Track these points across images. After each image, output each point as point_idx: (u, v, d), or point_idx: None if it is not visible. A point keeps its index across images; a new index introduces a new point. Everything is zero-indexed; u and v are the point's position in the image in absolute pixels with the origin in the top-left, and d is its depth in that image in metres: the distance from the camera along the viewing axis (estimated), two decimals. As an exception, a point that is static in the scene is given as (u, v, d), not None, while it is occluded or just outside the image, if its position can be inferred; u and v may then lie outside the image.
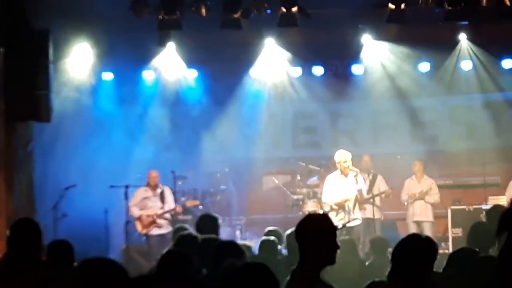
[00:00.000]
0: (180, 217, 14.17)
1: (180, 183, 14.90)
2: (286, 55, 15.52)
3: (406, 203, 14.17)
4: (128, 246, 13.80)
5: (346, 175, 12.34)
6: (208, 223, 8.24)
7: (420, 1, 12.99)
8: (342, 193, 12.20)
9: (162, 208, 13.80)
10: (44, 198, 13.01)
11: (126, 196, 13.62)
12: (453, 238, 13.50)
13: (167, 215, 13.83)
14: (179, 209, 13.87)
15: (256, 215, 15.61)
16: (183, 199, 14.71)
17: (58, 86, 13.07)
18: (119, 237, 14.12)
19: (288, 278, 4.48)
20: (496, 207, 9.43)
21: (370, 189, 13.65)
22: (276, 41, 15.19)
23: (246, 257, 6.34)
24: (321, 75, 16.04)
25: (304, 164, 14.96)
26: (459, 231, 13.41)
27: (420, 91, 15.78)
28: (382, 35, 15.08)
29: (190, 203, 14.54)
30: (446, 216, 13.94)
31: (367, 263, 9.40)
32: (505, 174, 14.69)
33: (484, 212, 11.66)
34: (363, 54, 15.59)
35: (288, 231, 8.43)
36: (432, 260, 4.53)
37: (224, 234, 13.64)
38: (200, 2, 12.96)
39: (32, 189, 12.54)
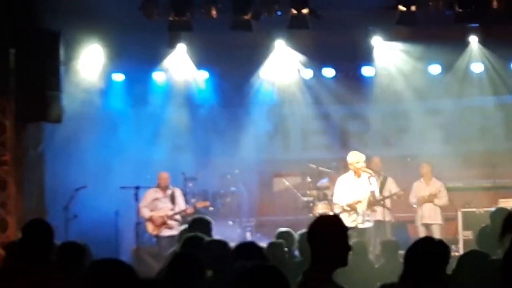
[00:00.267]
0: (190, 218, 14.14)
1: (190, 184, 14.92)
2: (296, 56, 15.53)
3: (415, 206, 14.15)
4: (138, 247, 13.83)
5: (359, 176, 12.29)
6: (200, 226, 7.89)
7: (430, 3, 12.98)
8: (355, 194, 12.15)
9: (172, 209, 13.82)
10: (55, 199, 13.03)
11: (137, 197, 13.66)
12: (464, 240, 13.45)
13: (178, 217, 13.84)
14: (189, 210, 13.85)
15: (266, 216, 15.60)
16: (193, 200, 14.68)
17: (69, 87, 13.08)
18: (129, 238, 14.14)
19: (299, 279, 4.47)
20: (500, 209, 9.37)
21: (380, 191, 13.58)
22: (287, 42, 15.19)
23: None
24: (332, 77, 16.04)
25: (314, 166, 14.94)
26: (469, 234, 13.35)
27: (431, 93, 15.75)
28: (392, 37, 15.07)
29: (200, 205, 14.53)
30: (456, 219, 13.90)
31: (377, 266, 9.38)
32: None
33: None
34: (374, 56, 15.58)
35: (299, 232, 8.39)
36: (445, 263, 4.52)
37: (234, 235, 13.68)
38: (210, 3, 13.00)
39: (43, 190, 12.58)
